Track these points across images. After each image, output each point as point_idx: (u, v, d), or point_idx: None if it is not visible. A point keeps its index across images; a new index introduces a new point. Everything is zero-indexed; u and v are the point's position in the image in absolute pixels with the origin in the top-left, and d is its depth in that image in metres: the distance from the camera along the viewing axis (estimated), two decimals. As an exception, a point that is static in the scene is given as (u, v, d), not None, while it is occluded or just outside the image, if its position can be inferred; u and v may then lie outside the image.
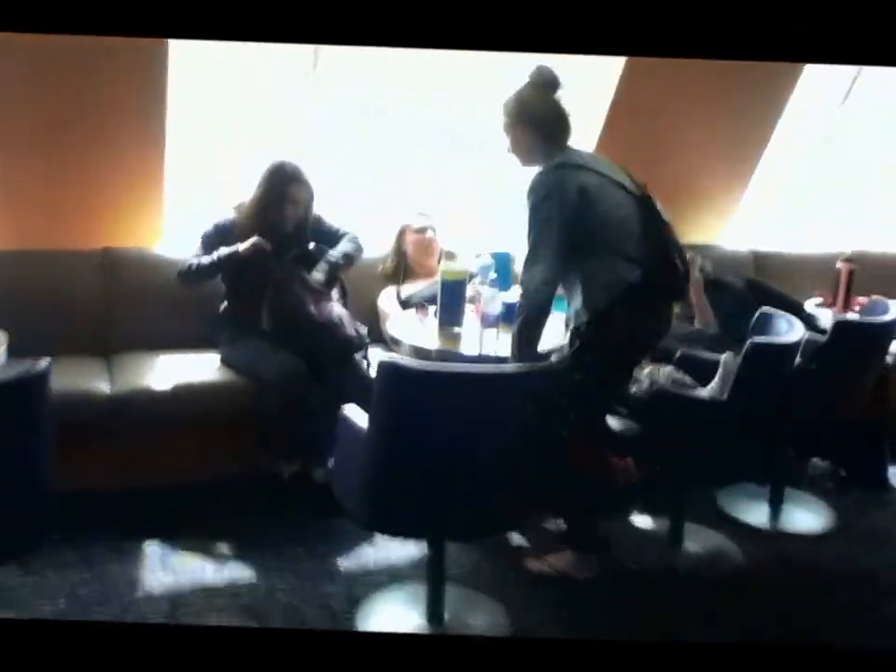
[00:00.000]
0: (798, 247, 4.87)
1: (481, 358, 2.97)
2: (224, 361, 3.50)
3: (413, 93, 4.15)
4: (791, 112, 4.48)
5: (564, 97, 2.84)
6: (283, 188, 3.43)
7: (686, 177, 4.39)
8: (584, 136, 3.76)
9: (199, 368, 3.46)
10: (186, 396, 3.31)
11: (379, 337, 3.77)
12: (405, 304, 3.79)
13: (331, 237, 3.69)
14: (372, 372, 3.37)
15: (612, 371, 2.78)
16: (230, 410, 3.36)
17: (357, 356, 3.45)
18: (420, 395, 2.27)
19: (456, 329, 3.16)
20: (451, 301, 3.14)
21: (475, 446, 2.33)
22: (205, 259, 3.44)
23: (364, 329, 3.51)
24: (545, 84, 2.82)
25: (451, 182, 4.37)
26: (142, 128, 3.55)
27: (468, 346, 3.07)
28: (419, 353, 3.12)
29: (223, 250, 3.41)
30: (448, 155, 4.31)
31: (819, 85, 4.57)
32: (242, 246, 3.39)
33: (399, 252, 3.96)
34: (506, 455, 2.40)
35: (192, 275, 3.46)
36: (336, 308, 3.45)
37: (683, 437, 2.82)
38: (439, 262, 3.96)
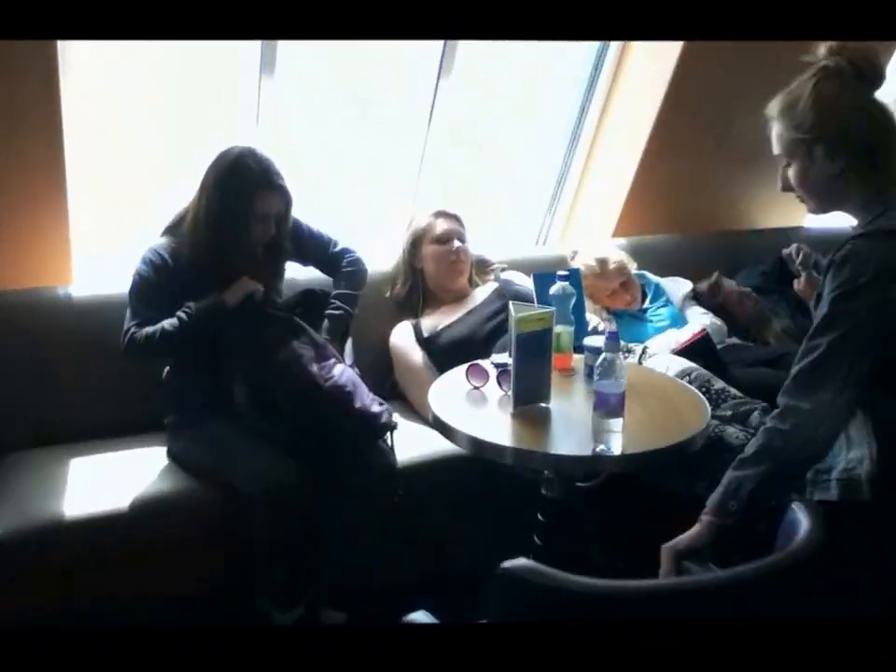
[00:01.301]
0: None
1: (595, 459, 1.84)
2: (172, 457, 2.33)
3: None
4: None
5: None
6: (247, 196, 2.23)
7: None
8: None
9: (137, 472, 2.27)
10: (116, 526, 2.13)
11: (392, 392, 2.66)
12: (429, 345, 2.67)
13: (318, 250, 2.56)
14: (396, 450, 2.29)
15: None
16: (189, 536, 2.21)
17: (380, 441, 2.28)
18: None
19: (543, 405, 2.01)
20: (533, 363, 1.98)
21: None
22: (169, 325, 2.19)
23: (387, 406, 2.31)
24: (860, 73, 1.63)
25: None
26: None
27: (566, 440, 1.94)
28: (483, 449, 1.93)
29: (196, 306, 2.20)
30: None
31: None
32: (228, 294, 2.22)
33: (413, 270, 2.80)
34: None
35: (151, 350, 2.21)
36: (346, 371, 2.26)
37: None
38: (470, 281, 2.84)
